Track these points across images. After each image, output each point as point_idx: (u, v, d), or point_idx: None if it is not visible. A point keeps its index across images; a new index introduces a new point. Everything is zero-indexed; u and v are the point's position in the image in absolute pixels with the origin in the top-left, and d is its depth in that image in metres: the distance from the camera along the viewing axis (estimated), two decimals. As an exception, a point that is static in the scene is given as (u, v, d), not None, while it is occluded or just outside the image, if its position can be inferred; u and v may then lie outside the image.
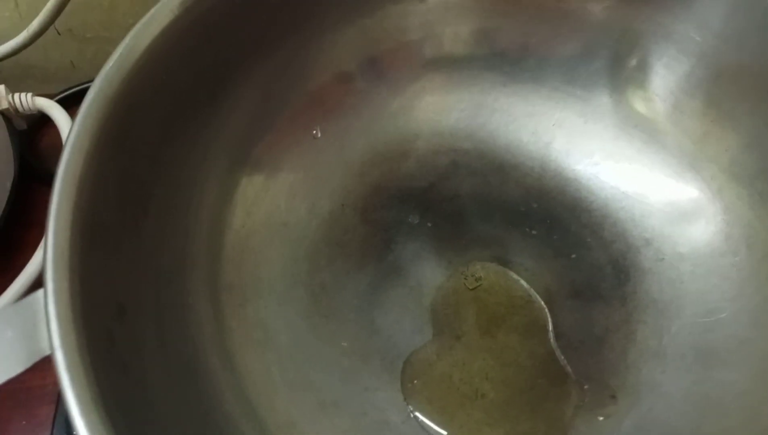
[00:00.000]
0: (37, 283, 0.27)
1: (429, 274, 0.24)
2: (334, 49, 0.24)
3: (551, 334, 0.23)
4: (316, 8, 0.23)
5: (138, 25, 0.18)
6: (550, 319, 0.24)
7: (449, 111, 0.27)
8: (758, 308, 0.22)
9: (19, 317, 0.14)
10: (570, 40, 0.25)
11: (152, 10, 0.18)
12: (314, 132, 0.26)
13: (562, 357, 0.23)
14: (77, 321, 0.14)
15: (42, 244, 0.27)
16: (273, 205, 0.24)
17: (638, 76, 0.25)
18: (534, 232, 0.26)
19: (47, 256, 0.14)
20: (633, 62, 0.25)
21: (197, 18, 0.19)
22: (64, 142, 0.17)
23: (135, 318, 0.17)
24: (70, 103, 0.37)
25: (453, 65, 0.27)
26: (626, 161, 0.26)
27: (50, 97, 0.36)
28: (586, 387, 0.22)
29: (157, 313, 0.18)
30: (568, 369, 0.23)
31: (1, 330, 0.13)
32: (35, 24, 0.34)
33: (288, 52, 0.23)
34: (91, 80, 0.36)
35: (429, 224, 0.26)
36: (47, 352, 0.13)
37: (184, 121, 0.20)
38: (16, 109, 0.32)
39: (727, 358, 0.22)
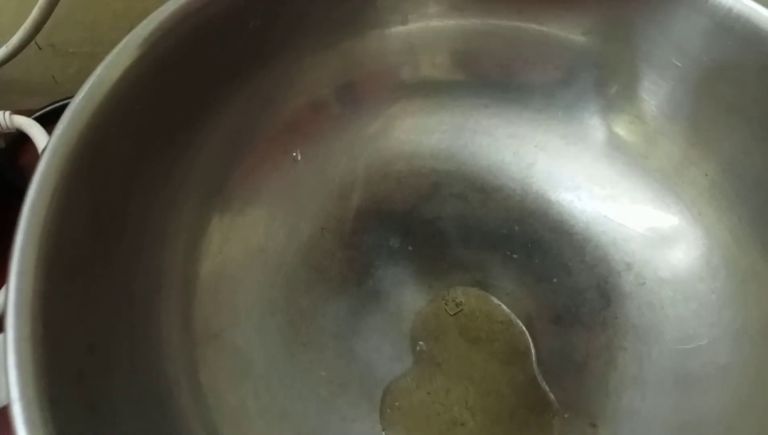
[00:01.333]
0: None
1: (409, 299, 0.24)
2: (311, 75, 0.24)
3: (534, 361, 0.23)
4: (294, 35, 0.23)
5: (106, 58, 0.18)
6: (531, 345, 0.24)
7: (430, 132, 0.27)
8: (737, 335, 0.22)
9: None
10: (551, 65, 0.25)
11: (119, 45, 0.18)
12: (294, 155, 0.25)
13: (544, 384, 0.23)
14: (40, 369, 0.13)
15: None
16: (251, 230, 0.24)
17: (619, 101, 0.25)
18: (515, 255, 0.25)
19: (9, 300, 0.14)
20: (614, 87, 0.25)
21: (167, 49, 0.19)
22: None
23: (106, 355, 0.17)
24: (51, 120, 0.36)
25: (433, 88, 0.27)
26: (608, 184, 0.26)
27: (31, 112, 0.36)
28: (566, 415, 0.22)
29: (129, 347, 0.18)
30: (550, 396, 0.22)
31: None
32: (15, 39, 0.34)
33: (264, 80, 0.23)
34: (72, 97, 0.36)
35: (410, 248, 0.25)
36: (3, 403, 0.13)
37: (158, 150, 0.20)
38: (-7, 128, 0.31)
39: (706, 385, 0.22)
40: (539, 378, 0.23)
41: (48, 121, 0.36)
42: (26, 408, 0.12)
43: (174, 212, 0.21)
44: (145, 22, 0.19)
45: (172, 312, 0.20)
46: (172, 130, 0.20)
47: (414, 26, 0.25)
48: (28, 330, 0.13)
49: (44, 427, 0.12)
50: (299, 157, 0.25)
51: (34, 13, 0.32)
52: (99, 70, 0.17)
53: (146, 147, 0.19)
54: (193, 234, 0.22)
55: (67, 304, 0.16)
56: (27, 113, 0.35)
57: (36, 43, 0.36)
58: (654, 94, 0.24)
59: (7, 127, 0.32)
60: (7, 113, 0.32)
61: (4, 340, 0.13)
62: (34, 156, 0.33)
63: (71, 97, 0.37)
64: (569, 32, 0.24)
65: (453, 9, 0.25)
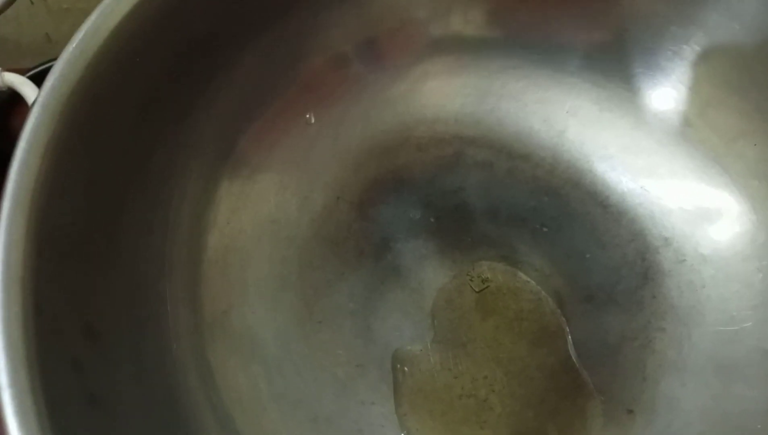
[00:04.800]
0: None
1: (431, 275, 0.23)
2: (329, 29, 0.22)
3: (567, 342, 0.22)
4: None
5: (102, 4, 0.16)
6: (565, 326, 0.22)
7: (454, 96, 0.25)
8: (786, 318, 0.21)
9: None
10: (597, 23, 0.23)
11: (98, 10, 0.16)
12: (307, 116, 0.23)
13: (580, 366, 0.21)
14: (32, 352, 0.12)
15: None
16: (261, 200, 0.22)
17: (667, 65, 0.23)
18: (545, 229, 0.24)
19: (-5, 276, 0.12)
20: (664, 51, 0.23)
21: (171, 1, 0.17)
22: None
23: (106, 338, 0.15)
24: (44, 80, 0.34)
25: (460, 47, 0.24)
26: (645, 154, 0.24)
27: (23, 72, 0.33)
28: (600, 401, 0.21)
29: (132, 328, 0.16)
30: (584, 380, 0.21)
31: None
32: (4, -7, 0.31)
33: (278, 33, 0.21)
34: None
35: (431, 220, 0.24)
36: (-6, 390, 0.11)
37: (160, 110, 0.18)
38: (-17, 87, 0.29)
39: (749, 373, 0.20)
40: (574, 361, 0.21)
41: (42, 80, 0.34)
42: (17, 396, 0.11)
43: (179, 179, 0.19)
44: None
45: (177, 289, 0.18)
46: (176, 87, 0.18)
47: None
48: (18, 308, 0.12)
49: (38, 417, 0.11)
50: (312, 120, 0.24)
51: (25, -37, 0.30)
52: (94, 17, 0.15)
53: (147, 105, 0.17)
54: (199, 203, 0.20)
55: (63, 282, 0.14)
56: (19, 73, 0.33)
57: (28, -3, 0.34)
58: (706, 59, 0.22)
59: (-2, 86, 0.30)
60: (-2, 70, 0.30)
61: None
62: (21, 119, 0.31)
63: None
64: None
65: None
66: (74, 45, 0.15)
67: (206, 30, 0.19)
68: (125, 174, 0.17)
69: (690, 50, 0.23)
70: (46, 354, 0.12)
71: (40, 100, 0.14)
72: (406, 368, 0.21)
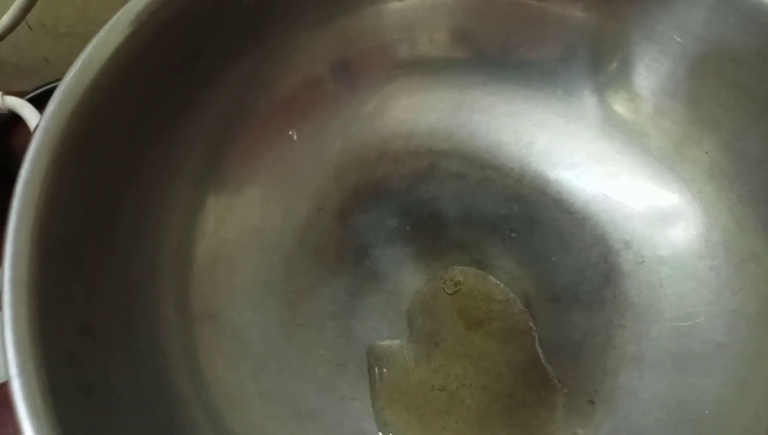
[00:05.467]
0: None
1: (407, 279, 0.24)
2: (307, 52, 0.23)
3: (533, 339, 0.23)
4: (289, 11, 0.22)
5: (97, 36, 0.17)
6: (532, 325, 0.24)
7: (428, 111, 0.27)
8: (734, 313, 0.22)
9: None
10: (550, 42, 0.25)
11: (111, 21, 0.17)
12: (290, 133, 0.25)
13: (545, 362, 0.23)
14: (37, 347, 0.13)
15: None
16: (247, 210, 0.23)
17: (619, 78, 0.25)
18: (514, 234, 0.25)
19: (5, 279, 0.14)
20: (614, 64, 0.25)
21: (159, 25, 0.18)
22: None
23: (101, 336, 0.17)
24: (43, 101, 0.36)
25: (431, 65, 0.26)
26: (607, 163, 0.26)
27: (22, 94, 0.35)
28: (564, 392, 0.22)
29: (125, 328, 0.18)
30: (549, 374, 0.23)
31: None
32: (6, 19, 0.33)
33: (259, 55, 0.22)
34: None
35: (407, 227, 0.25)
36: (4, 379, 0.13)
37: (151, 130, 0.19)
38: (-15, 109, 0.31)
39: (704, 363, 0.22)
40: (540, 356, 0.23)
41: (40, 102, 0.35)
42: (25, 384, 0.12)
43: (169, 192, 0.21)
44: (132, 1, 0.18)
45: (168, 292, 0.20)
46: (165, 109, 0.20)
47: (411, 2, 0.24)
48: (25, 308, 0.13)
49: (44, 403, 0.12)
50: (295, 136, 0.25)
51: (24, -9, 0.31)
52: (90, 48, 0.17)
53: (139, 126, 0.19)
54: (188, 214, 0.21)
55: (62, 284, 0.15)
56: (18, 95, 0.35)
57: (27, 23, 0.36)
58: (654, 71, 0.24)
59: (0, 108, 0.31)
60: (-1, 93, 0.31)
61: (2, 318, 0.13)
62: (26, 138, 0.33)
63: (61, 78, 0.36)
64: (569, 8, 0.24)
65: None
66: (71, 75, 0.16)
67: (191, 53, 0.21)
68: (119, 188, 0.19)
69: (644, 64, 0.25)
70: (48, 349, 0.14)
71: (42, 124, 0.15)
72: (383, 366, 0.22)
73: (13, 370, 0.12)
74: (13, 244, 0.14)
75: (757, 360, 0.21)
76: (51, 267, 0.15)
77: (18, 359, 0.13)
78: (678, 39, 0.23)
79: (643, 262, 0.24)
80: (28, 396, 0.12)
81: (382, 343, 0.23)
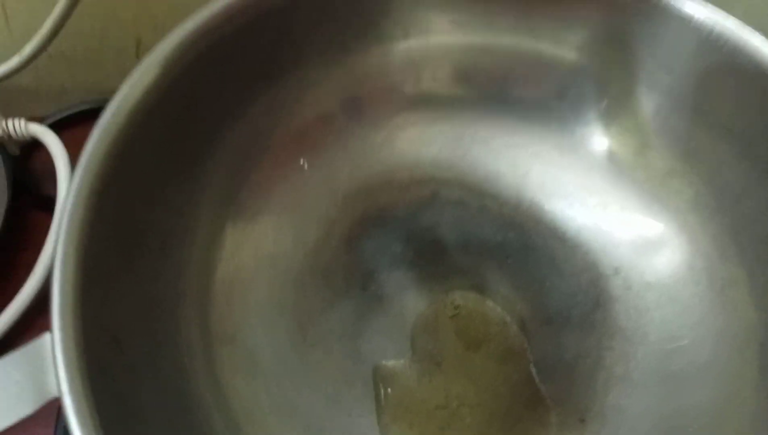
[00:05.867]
0: (33, 305, 0.28)
1: (410, 302, 0.26)
2: (318, 88, 0.25)
3: (529, 360, 0.25)
4: (302, 51, 0.24)
5: (130, 77, 0.19)
6: (526, 346, 0.25)
7: (431, 143, 0.29)
8: (717, 335, 0.24)
9: (27, 361, 0.15)
10: (545, 80, 0.27)
11: (141, 64, 0.19)
12: (301, 163, 0.27)
13: (539, 382, 0.24)
14: (82, 365, 0.15)
15: (35, 272, 0.28)
16: (261, 237, 0.25)
17: (610, 114, 0.27)
18: (510, 260, 0.27)
19: (54, 304, 0.15)
20: (605, 100, 0.26)
21: (185, 67, 0.20)
22: (59, 187, 0.18)
23: (131, 351, 0.18)
24: (62, 126, 0.38)
25: (434, 100, 0.28)
26: (598, 193, 0.28)
27: (40, 119, 0.37)
28: (557, 411, 0.24)
29: (151, 345, 0.19)
30: (543, 393, 0.24)
31: (11, 373, 0.14)
32: (28, 49, 0.35)
33: (274, 94, 0.24)
34: (83, 102, 0.37)
35: (411, 253, 0.27)
36: (54, 395, 0.14)
37: (177, 165, 0.21)
38: (9, 136, 0.33)
39: (688, 383, 0.23)
40: (534, 376, 0.24)
41: (59, 127, 0.37)
42: (75, 400, 0.14)
43: (191, 221, 0.22)
44: (165, 41, 0.20)
45: (190, 314, 0.21)
46: (190, 144, 0.21)
47: (415, 42, 0.26)
48: (71, 330, 0.15)
49: (91, 416, 0.14)
50: (306, 166, 0.27)
51: (48, 25, 0.33)
52: (124, 90, 0.19)
53: (165, 161, 0.21)
54: (208, 241, 0.23)
55: (99, 308, 0.17)
56: (38, 120, 0.37)
57: (47, 50, 0.37)
58: (642, 107, 0.26)
59: (22, 135, 0.33)
60: (22, 121, 0.33)
61: (52, 341, 0.14)
62: (47, 160, 0.34)
63: (81, 103, 0.38)
64: (562, 48, 0.26)
65: (453, 24, 0.27)
66: (108, 114, 0.18)
67: (213, 92, 0.23)
68: (146, 220, 0.20)
69: (632, 101, 0.26)
70: (91, 364, 0.15)
71: (82, 162, 0.17)
72: (388, 385, 0.24)
73: (65, 388, 0.14)
74: (61, 274, 0.16)
75: (737, 379, 0.23)
76: (90, 289, 0.17)
77: (68, 377, 0.14)
78: (664, 77, 0.25)
79: (631, 287, 0.26)
80: (78, 411, 0.14)
81: (387, 363, 0.24)
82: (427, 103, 0.28)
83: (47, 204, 0.32)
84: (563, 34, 0.26)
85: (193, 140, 0.22)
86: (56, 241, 0.16)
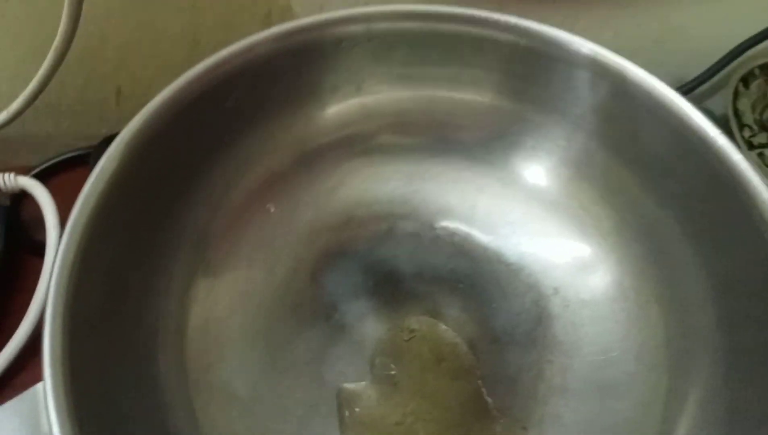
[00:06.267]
0: (28, 345, 0.31)
1: (370, 329, 0.28)
2: (280, 141, 0.28)
3: (477, 376, 0.28)
4: (264, 110, 0.27)
5: (108, 152, 0.22)
6: (475, 363, 0.28)
7: (386, 181, 0.32)
8: (641, 347, 0.27)
9: (24, 407, 0.17)
10: (475, 125, 0.30)
11: (116, 140, 0.22)
12: (268, 207, 0.30)
13: (486, 395, 0.27)
14: (72, 412, 0.17)
15: (28, 315, 0.31)
16: (233, 276, 0.28)
17: (536, 152, 0.30)
18: (461, 286, 0.30)
19: (45, 355, 0.18)
20: (529, 141, 0.30)
21: (153, 139, 0.23)
22: (48, 235, 0.21)
23: (116, 391, 0.21)
24: (49, 174, 0.40)
25: (387, 144, 0.31)
26: (538, 221, 0.31)
27: (27, 169, 0.39)
28: (502, 421, 0.26)
29: (135, 387, 0.22)
30: (489, 406, 0.27)
31: (7, 420, 0.17)
32: (15, 106, 0.37)
33: (239, 150, 0.27)
34: (68, 150, 0.40)
35: (371, 283, 0.30)
36: (47, 437, 0.17)
37: (153, 224, 0.24)
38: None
39: (617, 390, 0.26)
40: (482, 391, 0.27)
41: (46, 176, 0.40)
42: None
43: (168, 267, 0.25)
44: (129, 125, 0.23)
45: (168, 352, 0.24)
46: (162, 205, 0.24)
47: (367, 98, 0.29)
48: (61, 378, 0.17)
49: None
50: (272, 209, 0.30)
51: (34, 83, 0.36)
52: (102, 162, 0.22)
53: (142, 224, 0.23)
54: (183, 284, 0.26)
55: (85, 354, 0.20)
56: (24, 169, 0.39)
57: (34, 104, 0.40)
58: (559, 144, 0.29)
59: (12, 187, 0.35)
60: (12, 175, 0.36)
61: (44, 390, 0.17)
62: (36, 210, 0.37)
63: (66, 151, 0.40)
64: (485, 96, 0.29)
65: (399, 79, 0.30)
66: (88, 186, 0.21)
67: (185, 157, 0.25)
68: (128, 269, 0.23)
69: (559, 139, 0.30)
70: (80, 408, 0.18)
71: (68, 229, 0.20)
72: (350, 405, 0.26)
73: (56, 430, 0.16)
74: (51, 327, 0.18)
75: (657, 385, 0.26)
76: (78, 338, 0.19)
77: (59, 421, 0.17)
78: (571, 113, 0.28)
79: (569, 305, 0.29)
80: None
81: (348, 386, 0.27)
82: (380, 146, 0.31)
83: (38, 249, 0.34)
84: (481, 83, 0.29)
85: (166, 198, 0.25)
86: (46, 299, 0.19)
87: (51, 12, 0.32)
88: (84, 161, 0.41)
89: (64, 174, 0.41)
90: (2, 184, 0.35)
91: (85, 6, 0.30)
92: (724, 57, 0.39)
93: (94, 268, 0.21)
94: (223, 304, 0.27)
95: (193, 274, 0.27)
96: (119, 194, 0.22)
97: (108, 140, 0.35)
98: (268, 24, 0.37)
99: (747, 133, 0.37)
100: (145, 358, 0.23)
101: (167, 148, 0.24)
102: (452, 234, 0.31)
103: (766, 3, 0.39)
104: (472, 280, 0.30)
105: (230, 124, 0.27)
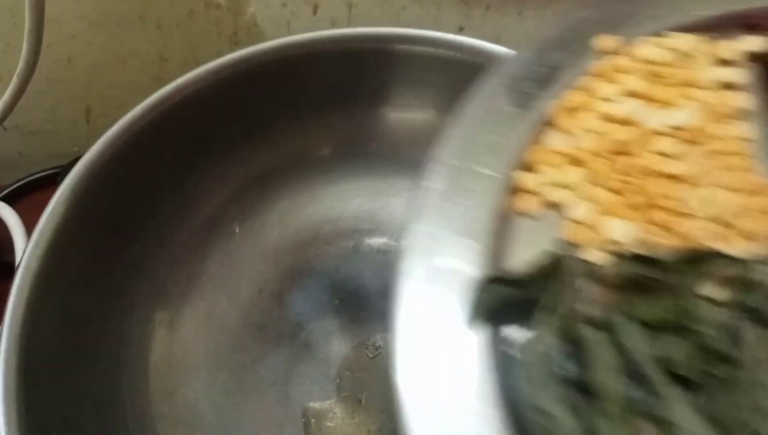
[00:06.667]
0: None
1: (336, 347, 0.29)
2: (239, 163, 0.29)
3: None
4: (219, 138, 0.27)
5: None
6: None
7: (351, 197, 0.32)
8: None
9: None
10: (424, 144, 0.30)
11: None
12: (233, 228, 0.30)
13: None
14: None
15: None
16: (197, 299, 0.28)
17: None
18: (426, 301, 0.30)
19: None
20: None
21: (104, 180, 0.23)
22: (17, 256, 0.21)
23: (78, 423, 0.21)
24: (20, 195, 0.40)
25: (348, 165, 0.31)
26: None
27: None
28: None
29: (97, 414, 0.22)
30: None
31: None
32: (-18, 128, 0.37)
33: (199, 178, 0.27)
34: (40, 169, 0.40)
35: (336, 301, 0.30)
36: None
37: (114, 248, 0.24)
38: (-32, 212, 0.35)
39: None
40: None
41: (16, 197, 0.40)
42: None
43: (129, 293, 0.25)
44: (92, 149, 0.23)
45: (131, 380, 0.24)
46: (123, 230, 0.25)
47: (328, 119, 0.30)
48: (15, 415, 0.18)
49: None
50: (237, 229, 0.30)
51: (0, 106, 0.36)
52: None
53: (102, 250, 0.24)
54: (146, 310, 0.26)
55: (44, 387, 0.20)
56: (-5, 188, 0.39)
57: (2, 125, 0.40)
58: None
59: (-20, 210, 0.36)
60: (-21, 198, 0.36)
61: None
62: (4, 233, 0.37)
63: (37, 171, 0.40)
64: (427, 113, 0.30)
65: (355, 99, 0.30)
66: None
67: (143, 179, 0.26)
68: (88, 301, 0.23)
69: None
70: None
71: (20, 270, 0.20)
72: (316, 424, 0.27)
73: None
74: (4, 363, 0.18)
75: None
76: (34, 375, 0.20)
77: (13, 455, 0.17)
78: None
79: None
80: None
81: (314, 405, 0.27)
82: (343, 166, 0.31)
83: (7, 270, 0.34)
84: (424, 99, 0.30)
85: (129, 220, 0.25)
86: (2, 337, 0.19)
87: (16, 37, 0.32)
88: (54, 181, 0.41)
89: (34, 194, 0.41)
90: (-30, 207, 0.35)
91: (50, 30, 0.30)
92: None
93: (50, 299, 0.21)
94: (188, 328, 0.27)
95: (157, 298, 0.27)
96: (77, 222, 0.22)
97: (76, 162, 0.36)
98: (235, 42, 0.37)
99: None
100: (108, 387, 0.23)
101: (128, 171, 0.24)
102: (417, 250, 0.31)
103: None
104: (436, 295, 0.30)
105: (186, 153, 0.27)
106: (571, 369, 0.13)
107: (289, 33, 0.37)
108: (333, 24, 0.37)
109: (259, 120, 0.29)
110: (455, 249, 0.15)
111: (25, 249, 0.21)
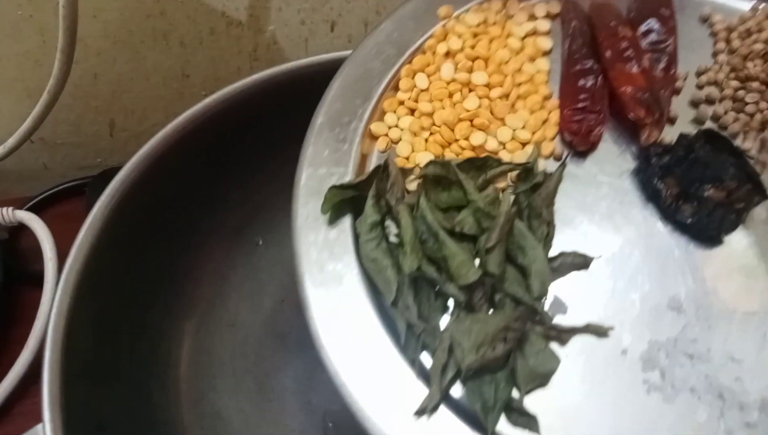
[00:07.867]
0: (27, 375, 0.32)
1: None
2: (262, 185, 0.30)
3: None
4: (248, 155, 0.29)
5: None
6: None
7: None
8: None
9: (25, 447, 0.19)
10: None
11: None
12: (257, 240, 0.31)
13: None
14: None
15: (27, 345, 0.32)
16: (222, 309, 0.29)
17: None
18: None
19: (44, 400, 0.19)
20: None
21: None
22: (46, 266, 0.22)
23: (112, 429, 0.22)
24: (46, 205, 0.41)
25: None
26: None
27: (25, 200, 0.40)
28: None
29: (129, 420, 0.23)
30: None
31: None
32: (11, 141, 0.38)
33: (223, 196, 0.29)
34: (65, 181, 0.41)
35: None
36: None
37: (147, 260, 0.25)
38: (-2, 223, 0.36)
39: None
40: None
41: (42, 207, 0.41)
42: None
43: (161, 304, 0.26)
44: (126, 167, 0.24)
45: (162, 386, 0.25)
46: (156, 242, 0.26)
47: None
48: (59, 421, 0.19)
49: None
50: (260, 242, 0.31)
51: (29, 121, 0.37)
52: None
53: (136, 263, 0.25)
54: (175, 319, 0.27)
55: (82, 397, 0.21)
56: (22, 200, 0.40)
57: (29, 138, 0.41)
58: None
59: (11, 221, 0.37)
60: (10, 209, 0.37)
61: (44, 430, 0.18)
62: (33, 241, 0.38)
63: (62, 182, 0.41)
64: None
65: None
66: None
67: (172, 196, 0.27)
68: (120, 314, 0.24)
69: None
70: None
71: (60, 284, 0.21)
72: (336, 427, 0.28)
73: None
74: (49, 374, 0.20)
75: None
76: (75, 381, 0.21)
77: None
78: None
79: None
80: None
81: (335, 408, 0.28)
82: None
83: (36, 280, 0.35)
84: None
85: (160, 234, 0.26)
86: (45, 349, 0.20)
87: (45, 54, 0.33)
88: (79, 191, 0.42)
89: (60, 204, 0.42)
90: (1, 218, 0.36)
91: (77, 48, 0.31)
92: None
93: (87, 312, 0.22)
94: (213, 337, 0.28)
95: (184, 309, 0.28)
96: (113, 237, 0.23)
97: (104, 175, 0.37)
98: (254, 58, 0.39)
99: None
100: (138, 394, 0.24)
101: (158, 188, 0.25)
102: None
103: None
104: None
105: (218, 163, 0.28)
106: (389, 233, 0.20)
107: (307, 50, 0.38)
108: (350, 41, 0.38)
109: (283, 137, 0.30)
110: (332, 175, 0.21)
111: (63, 264, 0.22)
